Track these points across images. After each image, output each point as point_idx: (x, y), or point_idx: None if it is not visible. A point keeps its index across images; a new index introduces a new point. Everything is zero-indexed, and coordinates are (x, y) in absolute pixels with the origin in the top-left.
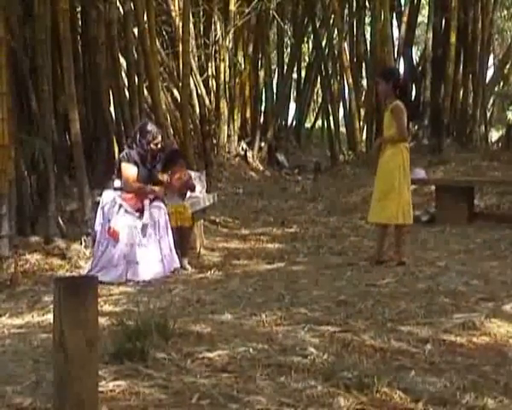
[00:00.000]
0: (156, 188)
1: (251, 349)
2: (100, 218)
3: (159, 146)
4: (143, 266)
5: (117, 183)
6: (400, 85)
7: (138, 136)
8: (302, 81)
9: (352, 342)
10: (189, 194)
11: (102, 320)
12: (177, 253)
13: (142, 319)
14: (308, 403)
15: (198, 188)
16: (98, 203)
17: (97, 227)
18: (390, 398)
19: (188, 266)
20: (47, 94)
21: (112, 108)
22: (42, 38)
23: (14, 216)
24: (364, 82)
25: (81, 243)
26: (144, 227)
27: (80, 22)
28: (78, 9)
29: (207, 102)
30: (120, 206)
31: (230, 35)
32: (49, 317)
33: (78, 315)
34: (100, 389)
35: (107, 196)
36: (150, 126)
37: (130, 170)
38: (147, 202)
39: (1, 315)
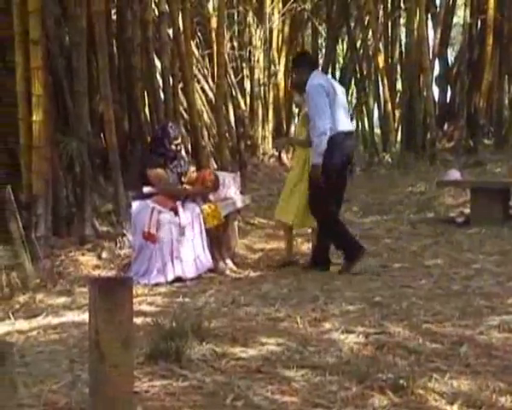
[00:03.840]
0: (193, 188)
1: (285, 350)
2: (134, 227)
3: (179, 147)
4: (182, 263)
5: (146, 189)
6: None
7: (160, 135)
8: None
9: (386, 343)
10: (223, 195)
11: (137, 321)
12: (211, 254)
13: (177, 320)
14: (342, 405)
15: (232, 189)
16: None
17: (131, 237)
18: (425, 400)
19: (227, 268)
20: (82, 95)
21: (147, 110)
22: (77, 39)
23: (49, 217)
24: (399, 83)
25: (116, 244)
26: (182, 228)
27: (116, 23)
28: (114, 11)
29: (242, 103)
30: (153, 208)
31: (265, 36)
32: (85, 317)
33: (113, 315)
34: (135, 389)
35: (137, 206)
36: (171, 126)
37: (159, 174)
38: (179, 202)
39: (37, 315)
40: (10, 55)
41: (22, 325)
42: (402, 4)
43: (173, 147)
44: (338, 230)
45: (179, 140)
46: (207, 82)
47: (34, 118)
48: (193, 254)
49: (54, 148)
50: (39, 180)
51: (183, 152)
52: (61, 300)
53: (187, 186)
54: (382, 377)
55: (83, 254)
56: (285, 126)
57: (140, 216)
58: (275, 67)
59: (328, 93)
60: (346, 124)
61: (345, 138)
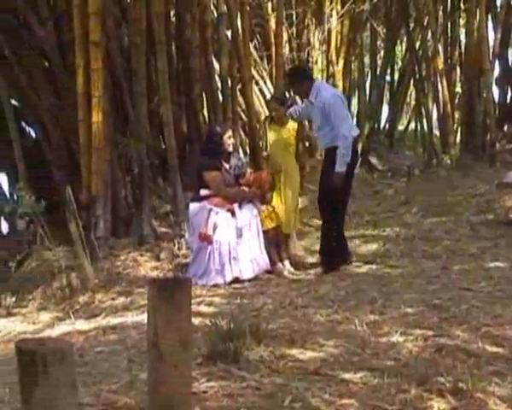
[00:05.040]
0: (250, 190)
1: (343, 352)
2: (192, 229)
3: (232, 140)
4: (239, 264)
5: (203, 192)
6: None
7: (212, 131)
8: (395, 83)
9: (445, 346)
10: None
11: (196, 321)
12: (269, 255)
13: (235, 321)
14: (401, 407)
15: None
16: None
17: (189, 238)
18: (484, 404)
19: (285, 270)
20: (141, 96)
21: (205, 111)
22: (137, 40)
23: (109, 217)
24: (458, 84)
25: (174, 245)
26: (239, 229)
27: (174, 25)
28: (173, 12)
29: None
30: (210, 210)
31: (323, 37)
32: (144, 317)
33: (171, 316)
34: (193, 389)
35: (195, 207)
36: (217, 124)
37: (215, 176)
38: (236, 204)
39: (96, 315)
40: (71, 57)
41: (82, 325)
42: (462, 5)
43: (225, 141)
44: (334, 235)
45: (229, 133)
46: (266, 83)
47: (94, 119)
48: (249, 255)
49: (113, 149)
50: (99, 181)
51: (241, 153)
52: (120, 300)
53: (244, 187)
54: (441, 380)
55: (141, 255)
56: None
57: (197, 218)
58: (333, 68)
59: (342, 101)
60: (354, 129)
61: (354, 144)
